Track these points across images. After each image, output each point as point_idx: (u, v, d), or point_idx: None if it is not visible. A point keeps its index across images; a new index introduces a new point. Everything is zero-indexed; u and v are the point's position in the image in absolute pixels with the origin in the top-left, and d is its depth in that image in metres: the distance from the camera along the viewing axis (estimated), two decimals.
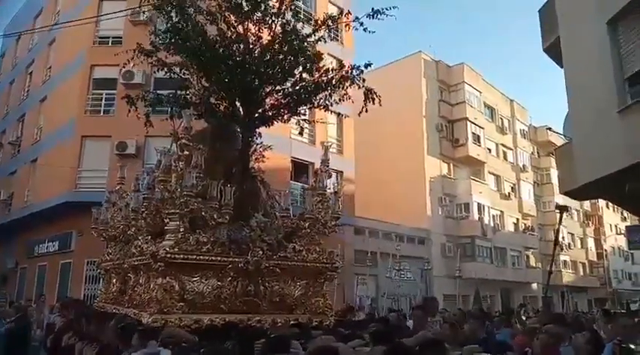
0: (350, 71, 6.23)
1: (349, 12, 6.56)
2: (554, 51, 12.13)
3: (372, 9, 6.24)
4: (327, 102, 6.25)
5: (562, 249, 40.02)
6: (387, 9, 6.24)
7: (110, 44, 19.32)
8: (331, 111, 6.79)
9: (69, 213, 17.93)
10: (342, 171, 22.59)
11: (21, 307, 10.97)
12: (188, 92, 6.02)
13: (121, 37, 18.77)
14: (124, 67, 15.22)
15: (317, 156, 7.22)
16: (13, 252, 22.72)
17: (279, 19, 6.07)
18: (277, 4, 6.12)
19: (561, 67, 11.77)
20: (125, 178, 6.43)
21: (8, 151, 24.87)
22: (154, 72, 15.00)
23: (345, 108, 6.64)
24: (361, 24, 6.33)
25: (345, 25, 6.68)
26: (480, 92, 34.72)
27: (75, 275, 17.56)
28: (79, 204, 17.32)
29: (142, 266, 5.02)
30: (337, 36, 21.45)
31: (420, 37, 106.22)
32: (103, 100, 18.91)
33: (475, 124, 33.19)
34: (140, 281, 5.19)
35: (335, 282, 6.70)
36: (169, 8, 5.90)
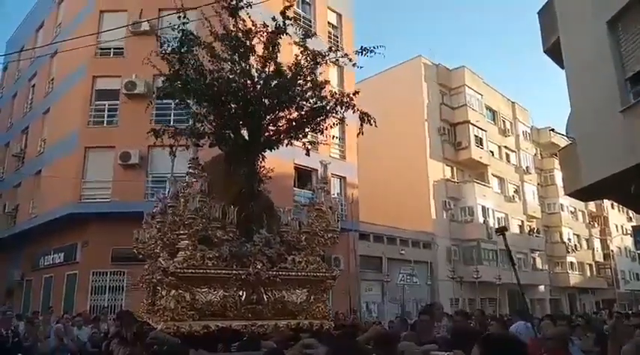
0: (342, 98, 6.56)
1: (347, 54, 6.75)
2: (554, 52, 12.14)
3: (361, 47, 6.58)
4: (321, 126, 6.67)
5: (568, 251, 39.84)
6: (374, 47, 6.55)
7: (112, 55, 19.44)
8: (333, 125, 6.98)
9: (74, 225, 17.99)
10: (344, 177, 22.57)
11: (29, 319, 11.00)
12: (202, 124, 6.43)
13: (122, 48, 18.88)
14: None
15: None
16: (19, 265, 22.77)
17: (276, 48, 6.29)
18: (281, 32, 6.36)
19: (562, 67, 11.77)
20: (161, 201, 6.94)
21: (12, 164, 24.97)
22: (155, 80, 15.27)
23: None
24: (350, 60, 6.71)
25: (343, 62, 6.92)
26: (481, 95, 34.71)
27: (80, 286, 17.56)
28: (84, 215, 17.40)
29: (162, 280, 5.68)
30: (337, 44, 21.54)
31: (419, 40, 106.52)
32: (106, 111, 18.92)
33: (477, 127, 33.17)
34: (162, 293, 5.87)
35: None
36: (171, 57, 6.25)
